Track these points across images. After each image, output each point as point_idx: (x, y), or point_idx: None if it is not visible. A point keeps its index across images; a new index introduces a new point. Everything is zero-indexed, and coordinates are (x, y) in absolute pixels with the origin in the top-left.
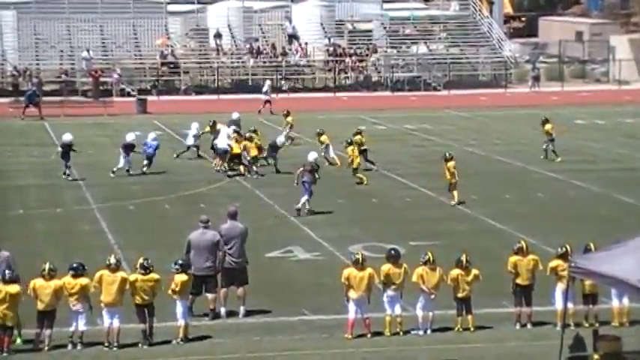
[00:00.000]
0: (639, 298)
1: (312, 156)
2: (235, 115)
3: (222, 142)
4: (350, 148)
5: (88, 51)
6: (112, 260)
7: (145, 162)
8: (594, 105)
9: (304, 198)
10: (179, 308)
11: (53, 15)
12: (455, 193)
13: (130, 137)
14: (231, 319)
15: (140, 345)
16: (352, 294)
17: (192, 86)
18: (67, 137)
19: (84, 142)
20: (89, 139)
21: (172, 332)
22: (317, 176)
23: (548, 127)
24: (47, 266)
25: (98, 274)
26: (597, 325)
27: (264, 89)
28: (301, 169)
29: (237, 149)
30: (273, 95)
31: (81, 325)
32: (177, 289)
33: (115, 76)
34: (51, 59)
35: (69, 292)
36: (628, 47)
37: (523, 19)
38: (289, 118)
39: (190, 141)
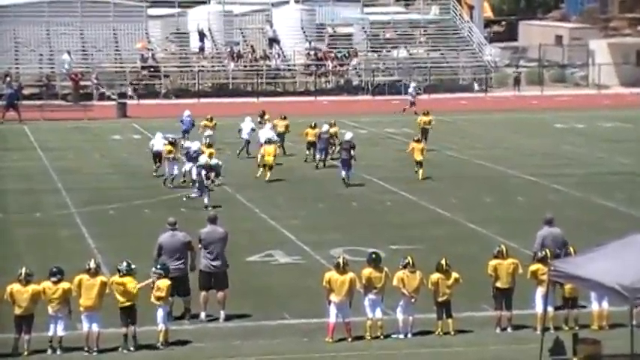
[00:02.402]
0: (619, 301)
1: (348, 135)
2: (249, 126)
3: (267, 134)
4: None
5: (68, 54)
6: (92, 265)
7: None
8: (574, 109)
9: (344, 173)
10: (160, 313)
11: (33, 19)
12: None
13: (195, 146)
14: (211, 324)
15: (120, 349)
16: (333, 298)
17: (172, 90)
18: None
19: (64, 146)
20: (69, 144)
21: (153, 336)
22: (353, 154)
23: None
24: (23, 271)
25: (77, 278)
26: (577, 328)
27: (410, 90)
28: (339, 147)
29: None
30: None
31: (60, 329)
32: (163, 294)
33: (94, 80)
34: (31, 63)
35: (50, 298)
36: (607, 52)
37: (503, 23)
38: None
39: (246, 136)
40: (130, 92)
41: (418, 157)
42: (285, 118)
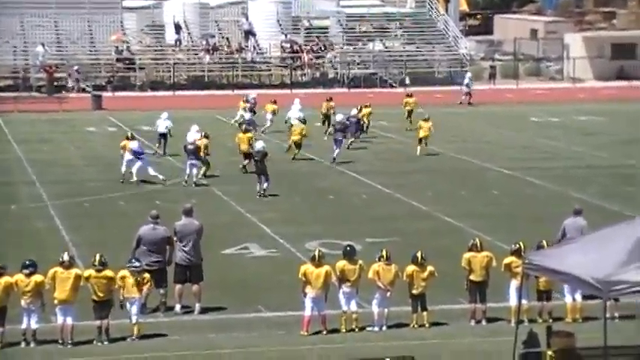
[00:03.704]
0: (593, 294)
1: (339, 117)
2: (247, 115)
3: (295, 114)
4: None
5: (42, 46)
6: (66, 257)
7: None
8: (549, 102)
9: (337, 151)
10: (133, 306)
11: (7, 10)
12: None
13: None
14: (186, 316)
15: (95, 342)
16: (309, 291)
17: (147, 82)
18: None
19: (38, 138)
20: (44, 136)
21: (127, 329)
22: (345, 134)
23: None
24: None
25: (51, 271)
26: (551, 321)
27: (466, 81)
28: (332, 128)
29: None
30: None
31: (33, 322)
32: (149, 285)
33: (75, 73)
34: (4, 55)
35: (22, 290)
36: (582, 45)
37: (479, 16)
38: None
39: (269, 123)
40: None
41: (423, 133)
42: (274, 102)
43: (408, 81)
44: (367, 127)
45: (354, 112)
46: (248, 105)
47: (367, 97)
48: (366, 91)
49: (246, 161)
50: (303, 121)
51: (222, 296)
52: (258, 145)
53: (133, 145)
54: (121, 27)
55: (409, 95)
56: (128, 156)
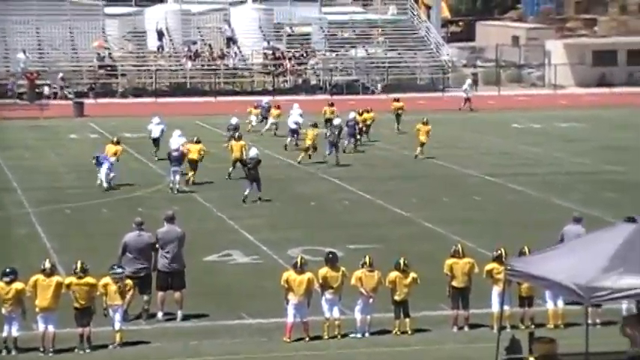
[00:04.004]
0: (575, 300)
1: (337, 121)
2: (234, 120)
3: (291, 122)
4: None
5: (23, 53)
6: (47, 265)
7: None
8: (530, 109)
9: (332, 153)
10: (115, 313)
11: None
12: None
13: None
14: (168, 323)
15: (76, 350)
16: (291, 297)
17: (129, 89)
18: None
19: (20, 145)
20: (25, 143)
21: (109, 337)
22: (340, 135)
23: None
24: None
25: (33, 278)
26: (533, 327)
27: (465, 87)
28: (328, 132)
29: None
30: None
31: (14, 330)
32: (131, 292)
33: (59, 81)
34: None
35: (3, 298)
36: (563, 52)
37: (460, 23)
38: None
39: (294, 125)
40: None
41: (422, 137)
42: (278, 107)
43: (379, 88)
44: (367, 131)
45: (352, 115)
46: (261, 111)
47: (349, 103)
48: (348, 97)
49: (231, 169)
50: (315, 125)
51: (205, 303)
52: (252, 152)
53: (104, 154)
54: (103, 34)
55: (396, 100)
56: (112, 160)
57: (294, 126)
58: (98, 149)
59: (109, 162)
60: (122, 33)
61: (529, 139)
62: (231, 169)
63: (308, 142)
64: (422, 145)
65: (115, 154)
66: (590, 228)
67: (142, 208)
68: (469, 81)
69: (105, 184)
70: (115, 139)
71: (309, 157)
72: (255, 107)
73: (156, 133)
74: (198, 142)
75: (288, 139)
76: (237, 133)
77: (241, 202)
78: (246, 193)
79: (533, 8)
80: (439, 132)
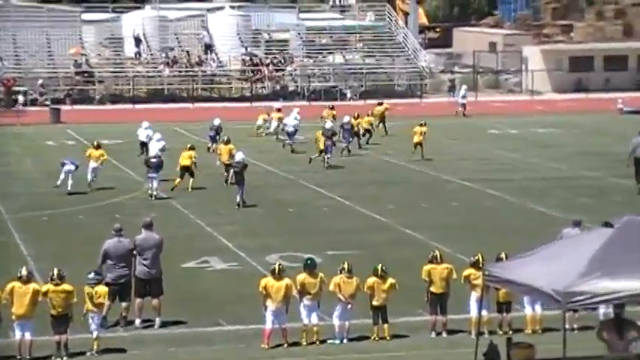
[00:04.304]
0: (552, 305)
1: (328, 124)
2: (217, 121)
3: (290, 122)
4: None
5: (0, 59)
6: (24, 272)
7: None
8: (507, 115)
9: (327, 156)
10: (93, 320)
11: None
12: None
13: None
14: (146, 330)
15: (53, 357)
16: (269, 304)
17: (107, 96)
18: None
19: None
20: (1, 149)
21: (87, 344)
22: (334, 141)
23: None
24: None
25: (9, 285)
26: (511, 332)
27: (462, 93)
28: (322, 136)
29: None
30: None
31: None
32: (102, 300)
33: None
34: None
35: None
36: (540, 58)
37: (438, 29)
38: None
39: (290, 129)
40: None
41: (417, 138)
42: (279, 110)
43: (349, 95)
44: (364, 135)
45: (346, 119)
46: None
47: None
48: (326, 103)
49: (226, 173)
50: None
51: (183, 310)
52: (239, 156)
53: (68, 161)
54: (80, 40)
55: (380, 104)
56: (93, 164)
57: (290, 129)
58: (75, 156)
59: (74, 165)
60: (99, 39)
61: (506, 145)
62: (226, 173)
63: (320, 146)
64: (419, 145)
65: (99, 158)
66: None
67: (119, 214)
68: (465, 87)
69: (67, 187)
70: (95, 143)
71: (323, 160)
72: (278, 110)
73: (143, 137)
74: (192, 148)
75: (286, 141)
76: (225, 137)
77: (219, 209)
78: (237, 199)
79: (510, 14)
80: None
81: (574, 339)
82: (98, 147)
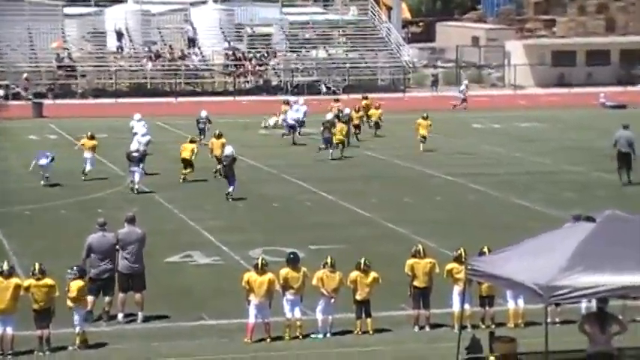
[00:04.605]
0: (534, 299)
1: (329, 115)
2: (204, 113)
3: (291, 115)
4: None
5: None
6: (5, 267)
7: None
8: (490, 109)
9: (331, 150)
10: (75, 315)
11: None
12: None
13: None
14: (129, 325)
15: (36, 352)
16: (252, 298)
17: (89, 90)
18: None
19: None
20: None
21: (69, 339)
22: (334, 131)
23: None
24: None
25: None
26: (493, 326)
27: (461, 88)
28: (322, 128)
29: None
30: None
31: None
32: (73, 295)
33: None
34: None
35: None
36: (523, 52)
37: (421, 24)
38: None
39: (291, 122)
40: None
41: (423, 131)
42: (287, 103)
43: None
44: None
45: (347, 111)
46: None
47: (312, 103)
48: (309, 98)
49: (219, 166)
50: (345, 121)
51: (165, 304)
52: (228, 150)
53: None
54: (62, 34)
55: (365, 98)
56: (87, 154)
57: (291, 122)
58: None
59: (47, 158)
60: (82, 33)
61: (490, 139)
62: (218, 166)
63: (339, 137)
64: (424, 138)
65: (93, 148)
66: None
67: (102, 209)
68: (465, 81)
69: (42, 180)
70: (89, 134)
71: (341, 152)
72: (286, 103)
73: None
74: (192, 141)
75: (287, 132)
76: (217, 131)
77: (202, 203)
78: (230, 189)
79: (493, 9)
80: (400, 132)
81: (556, 333)
82: (92, 137)
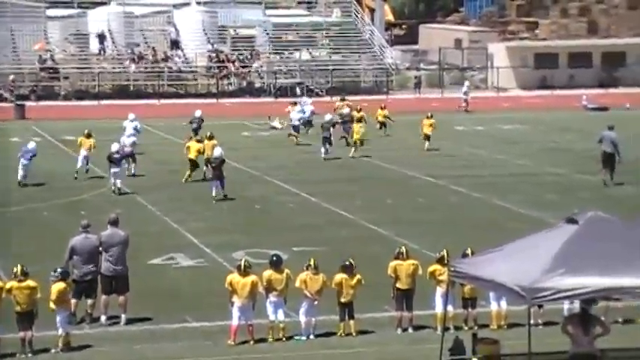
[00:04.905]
0: (517, 301)
1: (328, 116)
2: (198, 113)
3: (295, 116)
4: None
5: None
6: None
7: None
8: (473, 111)
9: (323, 149)
10: (58, 317)
11: None
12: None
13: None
14: (112, 327)
15: (18, 354)
16: (236, 300)
17: (72, 92)
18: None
19: None
20: None
21: (52, 341)
22: (331, 132)
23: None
24: None
25: None
26: (476, 328)
27: (464, 89)
28: (321, 126)
29: None
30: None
31: None
32: (53, 297)
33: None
34: None
35: None
36: (505, 55)
37: (404, 26)
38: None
39: (296, 122)
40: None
41: (427, 130)
42: (295, 104)
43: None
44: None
45: (346, 111)
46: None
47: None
48: (292, 100)
49: (205, 167)
50: (360, 120)
51: (149, 307)
52: (217, 152)
53: (30, 145)
54: (45, 36)
55: (342, 99)
56: (84, 152)
57: (296, 122)
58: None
59: (28, 158)
60: (64, 35)
61: (472, 141)
62: (205, 168)
63: (356, 137)
64: (427, 137)
65: (90, 148)
66: (532, 229)
67: (84, 211)
68: (467, 83)
69: (21, 179)
70: (86, 132)
71: (355, 150)
72: (293, 104)
73: (131, 130)
74: (199, 141)
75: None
76: (208, 133)
77: (186, 205)
78: (213, 193)
79: (476, 11)
80: (383, 134)
81: (539, 334)
82: (89, 136)
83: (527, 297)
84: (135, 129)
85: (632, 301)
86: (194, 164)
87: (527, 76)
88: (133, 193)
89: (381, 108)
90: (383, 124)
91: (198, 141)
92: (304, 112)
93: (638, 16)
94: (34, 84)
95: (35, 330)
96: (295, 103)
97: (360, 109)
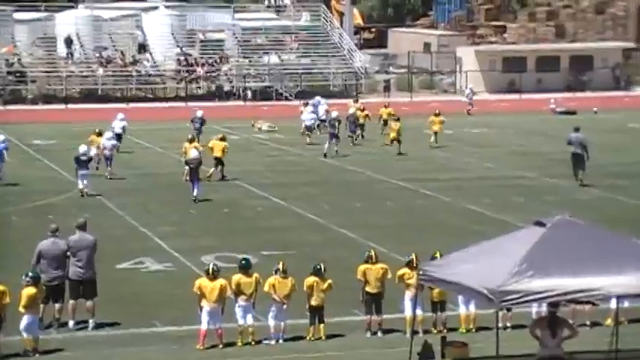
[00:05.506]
0: (486, 304)
1: (334, 113)
2: (199, 113)
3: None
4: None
5: None
6: None
7: None
8: (442, 115)
9: (327, 145)
10: (24, 321)
11: None
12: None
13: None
14: (80, 332)
15: None
16: (205, 304)
17: (39, 95)
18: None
19: None
20: None
21: (20, 345)
22: (338, 127)
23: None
24: None
25: None
26: (445, 331)
27: (467, 92)
28: (328, 122)
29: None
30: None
31: None
32: (22, 302)
33: None
34: None
35: None
36: (474, 59)
37: (373, 30)
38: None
39: (309, 122)
40: None
41: (436, 127)
42: (306, 104)
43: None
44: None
45: (351, 110)
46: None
47: (262, 109)
48: (261, 103)
49: (212, 169)
50: (397, 119)
51: (117, 311)
52: (194, 153)
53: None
54: (12, 39)
55: (356, 100)
56: (94, 151)
57: (309, 122)
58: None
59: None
60: (32, 39)
61: (441, 145)
62: (212, 169)
63: (392, 135)
64: (435, 134)
65: (98, 146)
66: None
67: (52, 215)
68: (470, 86)
69: None
70: (97, 130)
71: (391, 145)
72: (305, 105)
73: (117, 129)
74: (222, 139)
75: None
76: (220, 135)
77: (154, 209)
78: (194, 193)
79: (445, 15)
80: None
81: (507, 337)
82: (100, 134)
83: (495, 300)
84: (122, 128)
85: (600, 304)
86: (218, 161)
87: (495, 79)
88: (99, 195)
89: (385, 106)
90: (385, 122)
91: (222, 139)
92: (317, 113)
93: (605, 21)
94: (1, 87)
95: (2, 334)
96: (307, 104)
97: (364, 109)
